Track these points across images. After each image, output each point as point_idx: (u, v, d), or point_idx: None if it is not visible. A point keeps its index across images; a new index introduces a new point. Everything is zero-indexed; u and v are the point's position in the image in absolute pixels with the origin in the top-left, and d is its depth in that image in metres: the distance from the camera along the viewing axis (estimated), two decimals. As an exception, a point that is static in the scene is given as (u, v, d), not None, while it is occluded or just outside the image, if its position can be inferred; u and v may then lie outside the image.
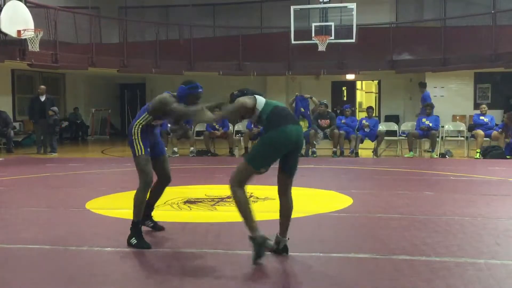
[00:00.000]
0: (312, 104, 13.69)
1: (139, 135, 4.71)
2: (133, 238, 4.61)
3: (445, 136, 13.61)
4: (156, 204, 5.35)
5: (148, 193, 4.89)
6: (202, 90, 4.73)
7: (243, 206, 4.16)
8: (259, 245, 4.05)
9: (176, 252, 4.47)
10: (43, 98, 14.07)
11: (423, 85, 14.92)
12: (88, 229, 5.36)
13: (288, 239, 4.32)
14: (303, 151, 13.04)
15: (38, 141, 14.28)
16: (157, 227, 5.16)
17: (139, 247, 4.53)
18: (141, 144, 4.70)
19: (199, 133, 14.13)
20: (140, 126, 4.73)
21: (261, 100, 4.34)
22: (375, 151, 12.86)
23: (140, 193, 4.70)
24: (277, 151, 4.18)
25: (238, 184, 4.20)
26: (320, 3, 16.88)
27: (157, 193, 5.14)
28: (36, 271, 3.99)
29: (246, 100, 4.32)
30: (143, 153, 4.69)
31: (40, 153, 13.85)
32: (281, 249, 4.30)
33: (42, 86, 14.50)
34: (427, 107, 13.22)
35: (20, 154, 13.72)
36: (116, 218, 5.86)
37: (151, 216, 5.16)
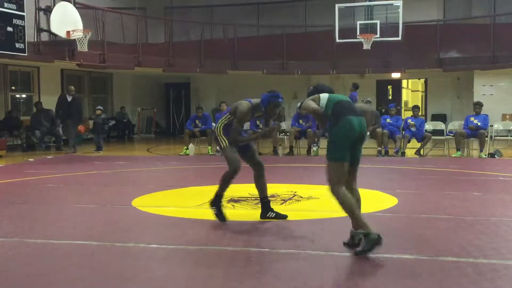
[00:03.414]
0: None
1: (221, 131, 5.46)
2: (214, 207, 5.44)
3: (494, 136, 13.29)
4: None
5: (258, 190, 5.56)
6: (282, 100, 5.40)
7: (347, 205, 4.28)
8: (373, 242, 4.15)
9: (220, 250, 4.50)
10: (69, 98, 14.35)
11: (354, 86, 14.20)
12: (134, 226, 5.46)
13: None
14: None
15: (58, 138, 14.78)
16: (279, 216, 5.53)
17: (217, 217, 5.41)
18: (224, 138, 5.44)
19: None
20: (222, 125, 5.48)
21: (324, 97, 4.57)
22: (418, 151, 12.61)
23: (228, 174, 5.42)
24: (347, 140, 4.35)
25: (336, 182, 4.31)
26: (365, 0, 16.68)
27: (260, 185, 5.55)
28: (83, 267, 4.08)
29: (312, 105, 4.57)
30: (227, 145, 5.43)
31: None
32: (357, 243, 4.29)
33: (71, 87, 14.78)
34: None
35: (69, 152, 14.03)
36: (161, 215, 5.95)
37: (271, 208, 5.57)
